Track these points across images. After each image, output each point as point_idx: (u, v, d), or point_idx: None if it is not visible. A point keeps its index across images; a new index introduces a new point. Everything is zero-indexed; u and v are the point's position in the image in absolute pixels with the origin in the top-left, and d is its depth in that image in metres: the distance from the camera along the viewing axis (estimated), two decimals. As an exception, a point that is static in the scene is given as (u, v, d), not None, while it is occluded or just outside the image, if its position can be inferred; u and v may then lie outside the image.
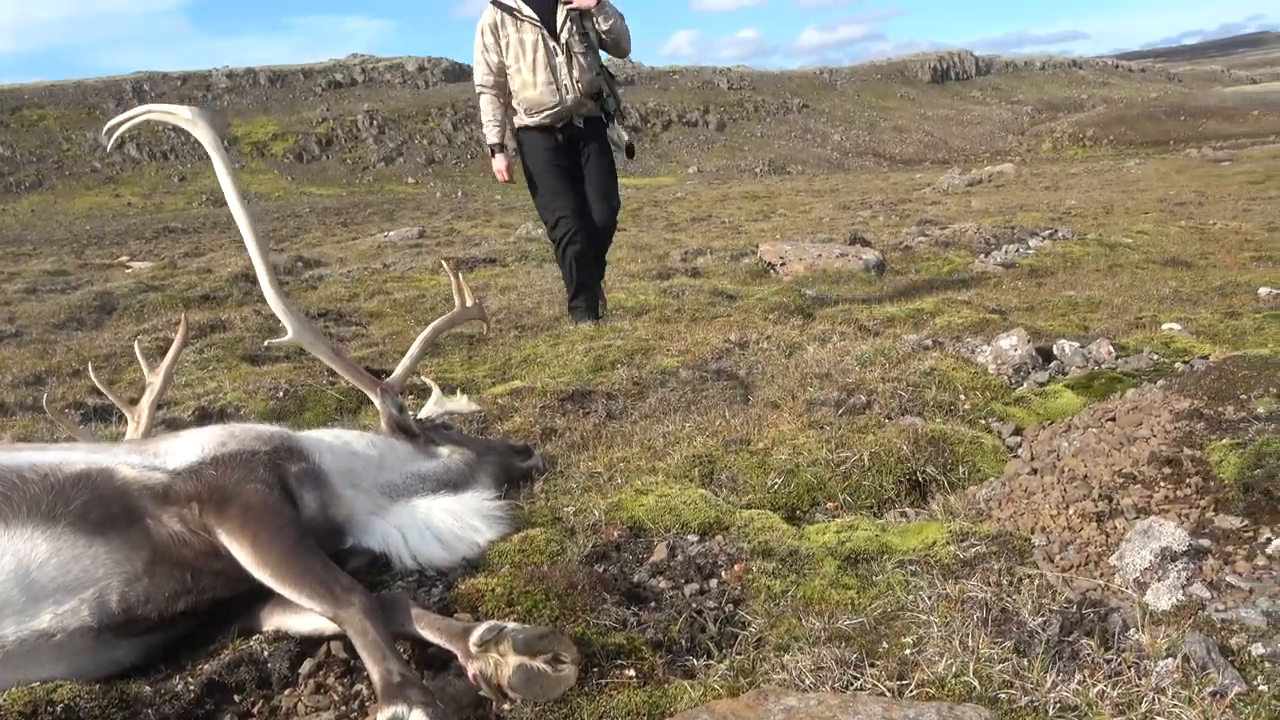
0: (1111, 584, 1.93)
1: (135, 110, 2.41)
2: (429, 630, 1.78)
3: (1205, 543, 2.06)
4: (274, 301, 2.31)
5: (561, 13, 5.04)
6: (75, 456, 1.89)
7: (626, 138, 5.40)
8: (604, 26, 5.12)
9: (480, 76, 5.28)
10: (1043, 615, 1.72)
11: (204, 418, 3.90)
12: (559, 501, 2.48)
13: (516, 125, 5.34)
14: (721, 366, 4.02)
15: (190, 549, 1.84)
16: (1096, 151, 64.19)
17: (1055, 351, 3.99)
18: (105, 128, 2.43)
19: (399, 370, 2.59)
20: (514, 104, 5.28)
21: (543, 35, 5.05)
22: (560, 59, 5.06)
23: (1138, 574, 1.91)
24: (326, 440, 2.24)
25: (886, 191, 25.00)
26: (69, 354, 5.91)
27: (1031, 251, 8.49)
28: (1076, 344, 4.05)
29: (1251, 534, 2.09)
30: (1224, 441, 2.61)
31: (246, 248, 2.29)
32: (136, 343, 3.17)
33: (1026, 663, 1.60)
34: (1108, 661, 1.62)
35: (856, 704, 1.49)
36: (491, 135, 5.36)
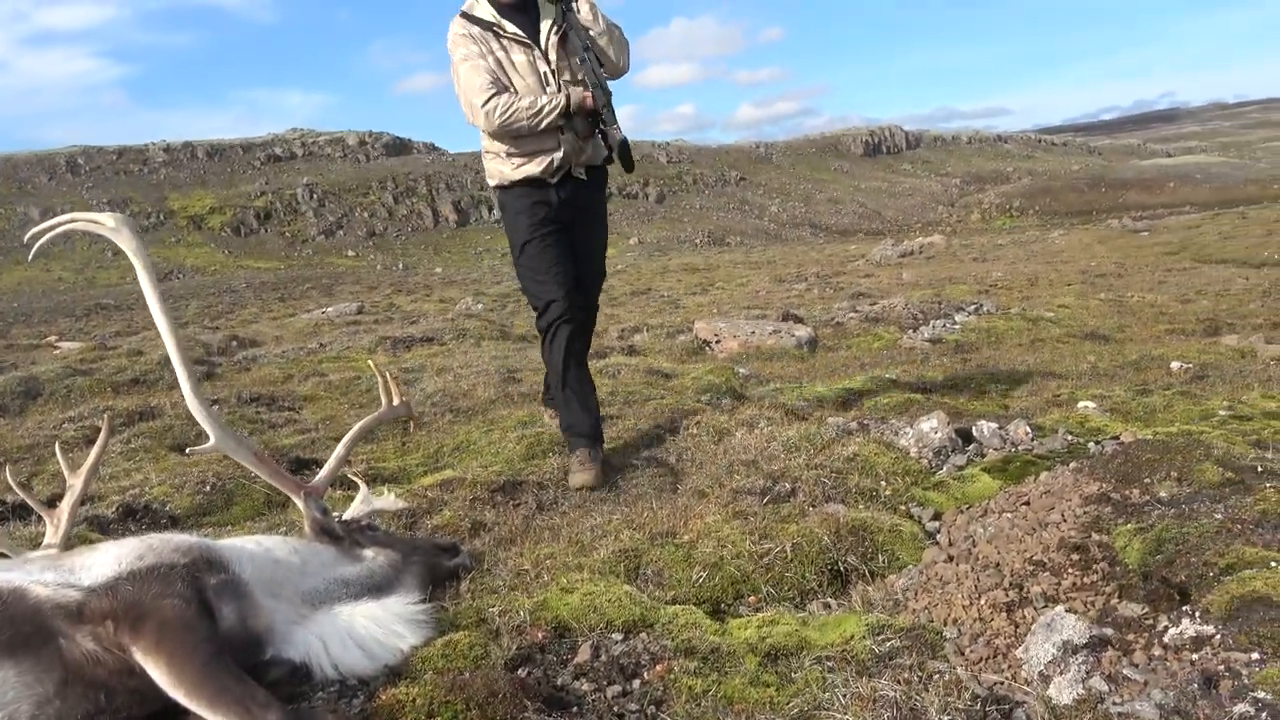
0: (1018, 677, 2.00)
1: (59, 219, 2.43)
2: (347, 745, 1.77)
3: (1108, 632, 2.14)
4: (196, 410, 2.32)
5: (547, 22, 3.87)
6: (-14, 576, 1.87)
7: (620, 136, 3.93)
8: (598, 30, 3.91)
9: (483, 86, 3.79)
10: (949, 714, 1.78)
11: (128, 514, 3.84)
12: (485, 601, 2.49)
13: (495, 183, 4.07)
14: (652, 453, 4.07)
15: (105, 668, 1.82)
16: (1023, 222, 66.20)
17: (974, 433, 4.11)
18: (28, 236, 2.43)
19: (324, 471, 2.59)
20: (492, 151, 4.02)
21: (534, 56, 3.85)
22: (554, 85, 3.85)
23: (1042, 667, 1.98)
24: (248, 549, 2.23)
25: (821, 264, 25.52)
26: (-10, 445, 5.77)
27: (957, 327, 8.73)
28: (995, 425, 4.18)
29: (1151, 622, 2.17)
30: (1129, 526, 2.72)
31: (169, 354, 2.30)
32: (57, 445, 3.12)
33: (934, 763, 1.65)
34: (1011, 759, 1.67)
35: (767, 812, 1.52)
36: (551, 99, 3.81)
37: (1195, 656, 1.92)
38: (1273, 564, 2.19)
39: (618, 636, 2.33)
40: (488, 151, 4.06)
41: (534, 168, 3.92)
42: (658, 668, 2.18)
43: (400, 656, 2.18)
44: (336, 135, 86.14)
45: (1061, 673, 1.92)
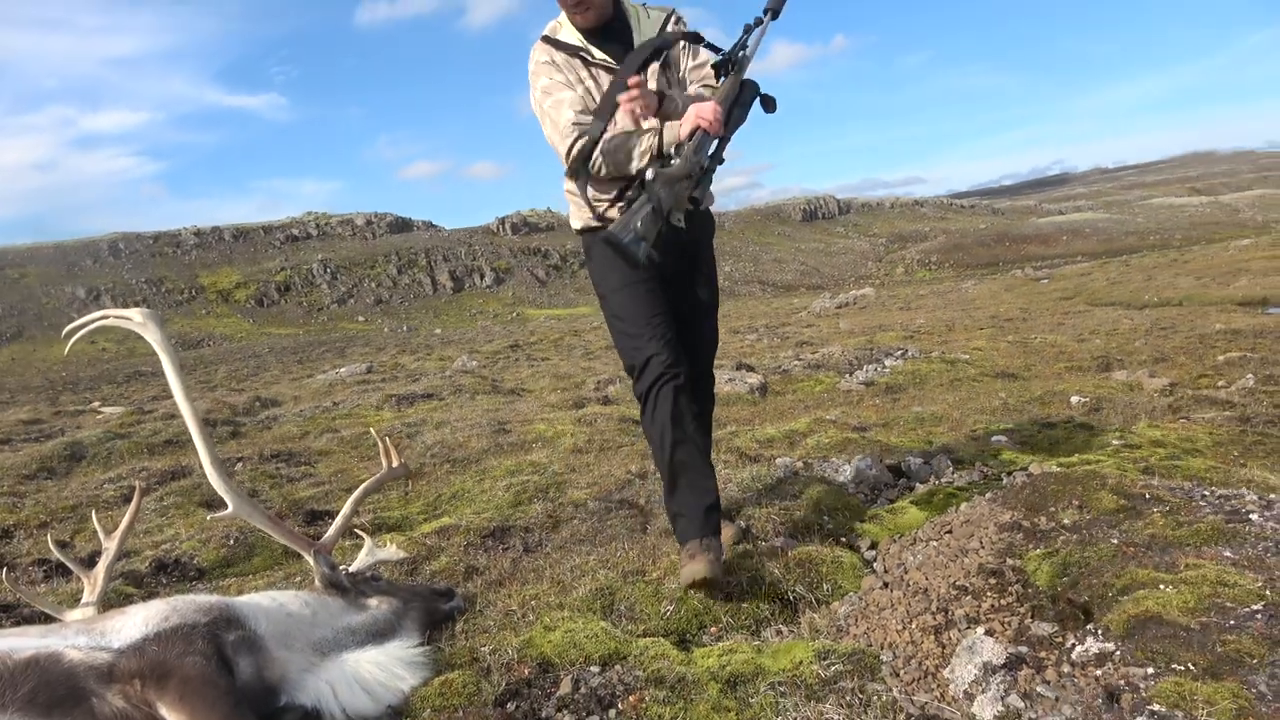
0: (946, 696, 1.97)
1: (92, 315, 2.39)
2: (353, 785, 1.72)
3: (1023, 650, 2.12)
4: (216, 482, 2.27)
5: (647, 49, 2.83)
6: (25, 643, 1.81)
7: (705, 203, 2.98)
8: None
9: (568, 125, 2.81)
10: (887, 734, 1.75)
11: (160, 569, 3.75)
12: (477, 641, 2.44)
13: (579, 226, 3.08)
14: (625, 496, 4.04)
15: (133, 723, 1.76)
16: (940, 274, 67.08)
17: (904, 468, 4.11)
18: (64, 331, 2.39)
19: (332, 530, 2.55)
20: (575, 193, 2.99)
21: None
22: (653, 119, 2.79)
23: (966, 686, 1.96)
24: (263, 605, 2.18)
25: (769, 316, 25.67)
26: (37, 506, 5.63)
27: (888, 370, 8.78)
28: (921, 460, 4.19)
29: (1060, 640, 2.16)
30: (1038, 551, 2.72)
31: (192, 435, 2.26)
32: (93, 513, 3.06)
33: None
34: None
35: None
36: (644, 140, 2.78)
37: (1099, 673, 1.91)
38: (1161, 585, 2.19)
39: (595, 669, 2.29)
40: (569, 193, 3.05)
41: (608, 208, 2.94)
42: (631, 698, 2.14)
43: (401, 697, 2.13)
44: (346, 216, 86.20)
45: (983, 691, 1.90)
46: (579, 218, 3.08)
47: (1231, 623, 1.98)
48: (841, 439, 5.05)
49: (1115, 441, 4.51)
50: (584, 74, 2.89)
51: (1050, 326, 13.94)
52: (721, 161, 2.72)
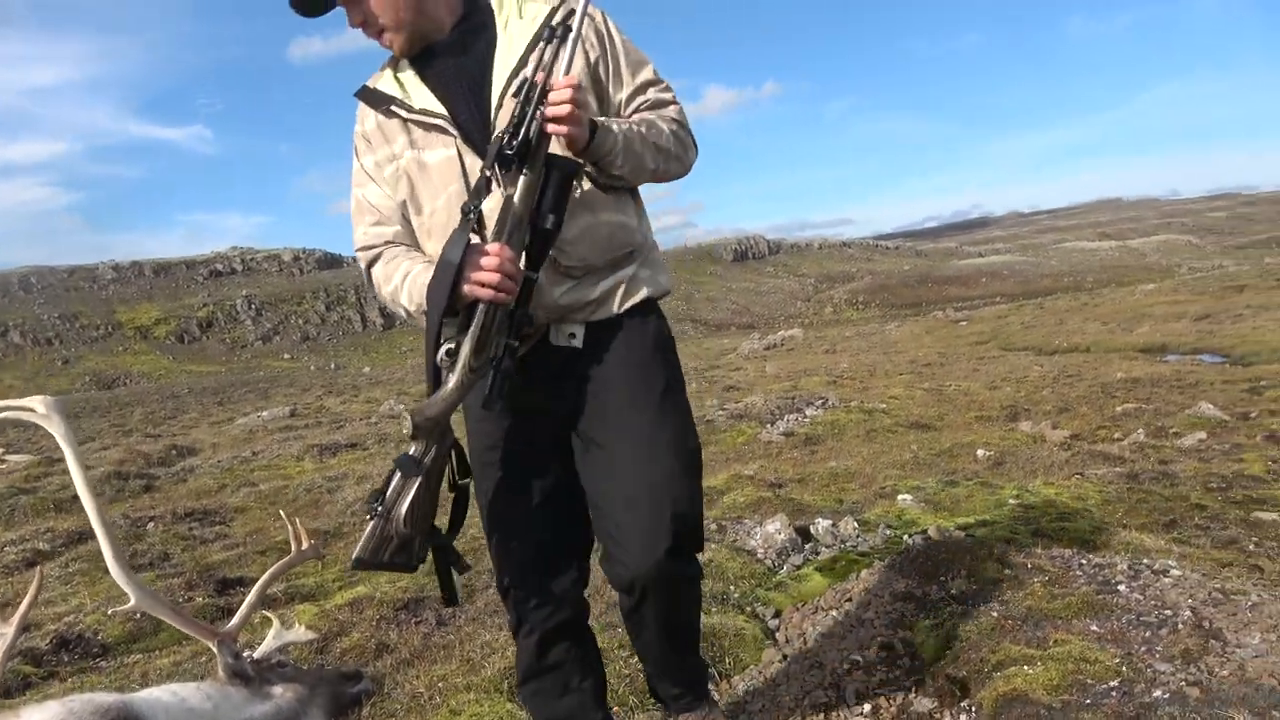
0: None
1: (-9, 406, 2.37)
2: None
3: (904, 727, 2.25)
4: (118, 575, 2.27)
5: (503, 68, 1.80)
6: (-90, 755, 1.79)
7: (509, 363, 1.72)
8: (619, 166, 1.77)
9: (361, 234, 1.94)
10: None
11: (62, 645, 3.66)
12: (383, 727, 2.47)
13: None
14: (540, 562, 4.09)
15: (21, 836, 1.75)
16: (866, 313, 68.77)
17: (812, 530, 4.26)
18: (-38, 423, 2.37)
19: (237, 618, 2.55)
20: None
21: (459, 150, 1.79)
22: (497, 198, 1.70)
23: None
24: (164, 700, 2.17)
25: (699, 357, 25.98)
26: (-68, 571, 5.42)
27: (808, 420, 9.01)
28: (829, 522, 4.34)
29: (938, 716, 2.29)
30: (927, 622, 2.87)
31: (95, 529, 2.26)
32: (-10, 597, 2.99)
33: None
34: None
35: None
36: (420, 275, 1.79)
37: (967, 752, 2.05)
38: (1031, 661, 2.35)
39: (499, 754, 2.34)
40: None
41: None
42: (532, 784, 2.19)
43: (303, 790, 2.15)
44: (273, 252, 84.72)
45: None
46: None
47: (1088, 700, 2.13)
48: (756, 498, 5.18)
49: (1012, 500, 4.74)
50: (400, 141, 1.85)
51: (965, 373, 14.45)
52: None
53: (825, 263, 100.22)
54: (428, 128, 1.82)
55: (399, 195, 1.89)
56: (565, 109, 1.62)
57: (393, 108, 1.85)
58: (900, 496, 5.03)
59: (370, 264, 1.95)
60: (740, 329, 60.80)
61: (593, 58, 1.85)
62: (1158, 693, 2.15)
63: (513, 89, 1.72)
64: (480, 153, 1.77)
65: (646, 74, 1.90)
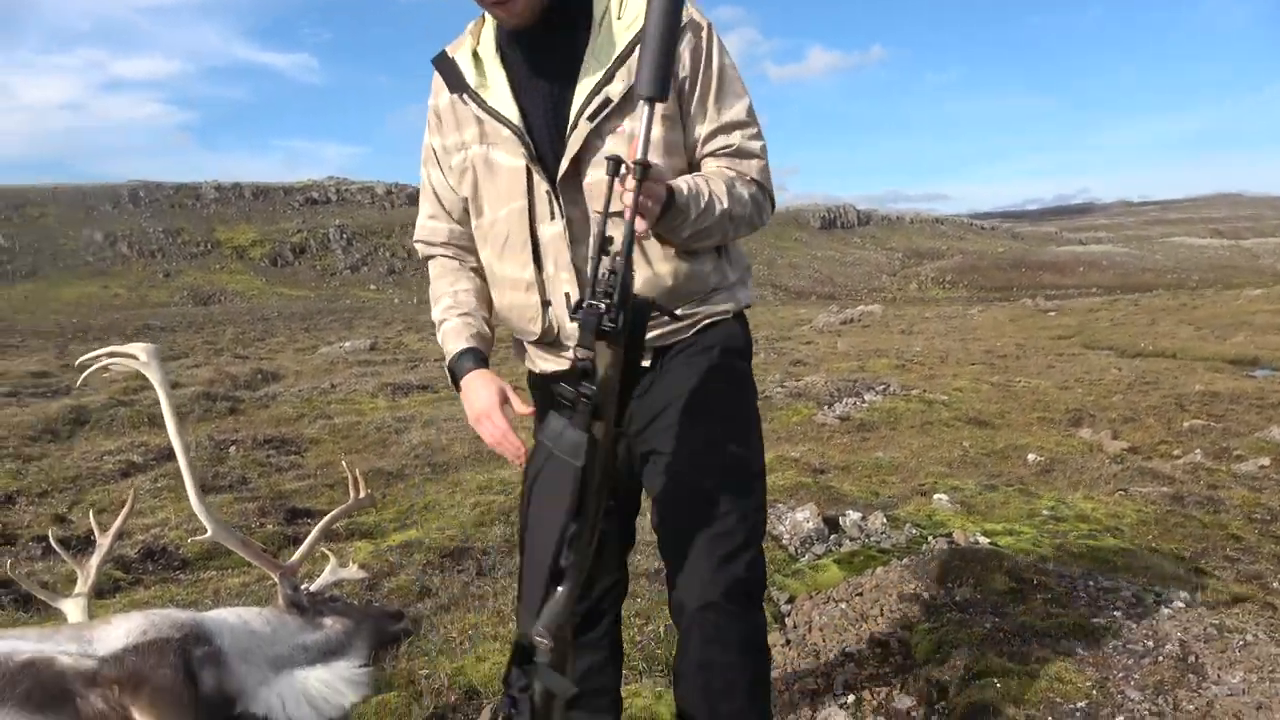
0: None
1: (101, 350, 2.71)
2: (287, 791, 2.06)
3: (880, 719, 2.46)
4: (199, 510, 2.61)
5: (589, 78, 1.62)
6: (24, 646, 2.15)
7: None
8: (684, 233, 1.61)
9: (421, 223, 1.97)
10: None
11: (148, 555, 4.10)
12: (416, 664, 2.79)
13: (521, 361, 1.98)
14: (579, 526, 4.37)
15: (109, 723, 2.10)
16: (953, 294, 67.11)
17: (841, 522, 4.43)
18: (77, 363, 2.72)
19: (297, 555, 2.88)
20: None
21: (530, 165, 1.67)
22: (559, 227, 1.67)
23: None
24: (230, 622, 2.51)
25: (772, 327, 25.93)
26: (39, 474, 6.01)
27: (865, 405, 9.09)
28: (859, 515, 4.51)
29: (914, 714, 2.49)
30: (925, 625, 3.04)
31: (182, 471, 2.60)
32: (90, 513, 3.39)
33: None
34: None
35: None
36: (452, 338, 1.82)
37: (929, 750, 2.25)
38: (1007, 675, 2.52)
39: (515, 700, 2.63)
40: None
41: (538, 354, 1.87)
42: (539, 731, 2.47)
43: (342, 713, 2.47)
44: (367, 184, 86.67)
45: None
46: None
47: (1052, 718, 2.30)
48: (795, 482, 5.37)
49: (1046, 511, 4.82)
50: (470, 132, 1.75)
51: (1039, 369, 14.21)
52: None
53: (915, 238, 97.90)
54: (497, 126, 1.70)
55: (462, 190, 1.81)
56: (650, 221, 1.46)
57: (465, 97, 1.72)
58: (936, 496, 5.15)
59: (426, 259, 2.01)
60: (820, 299, 60.14)
61: (680, 76, 1.64)
62: (1120, 718, 2.30)
63: (589, 110, 1.62)
64: (549, 174, 1.67)
65: (737, 112, 1.69)
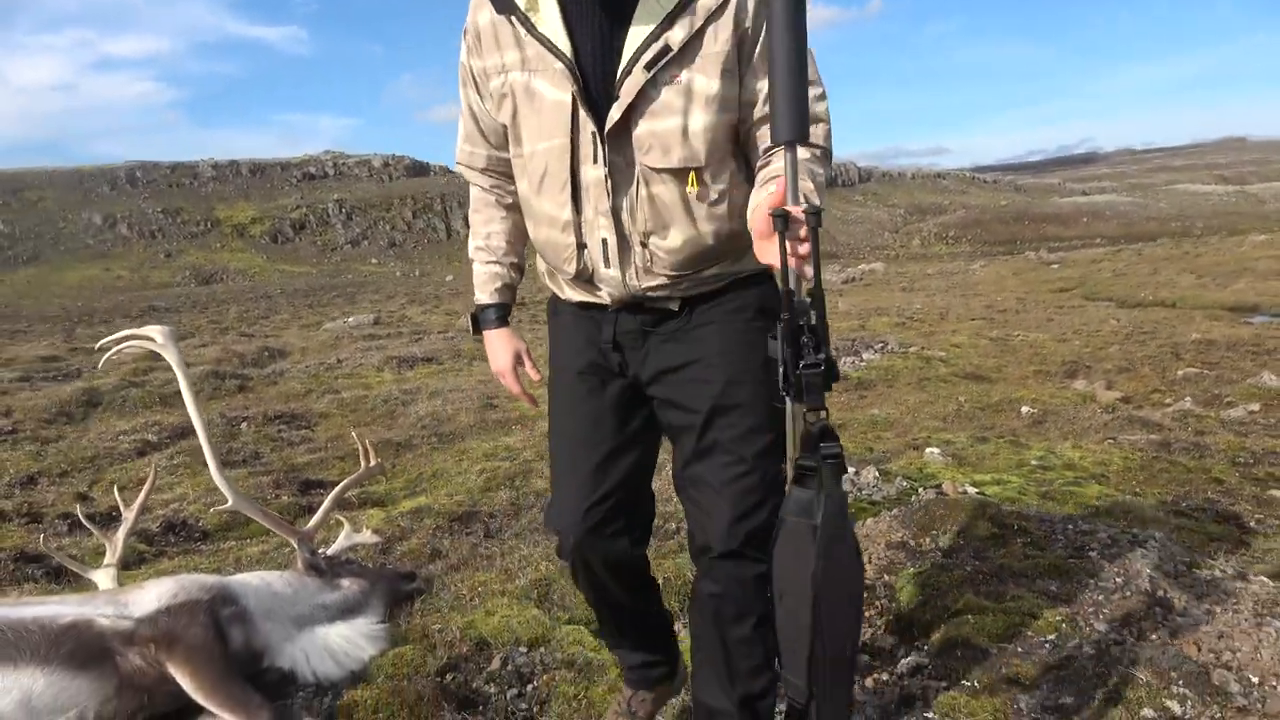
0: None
1: (119, 334, 2.86)
2: (315, 735, 2.24)
3: (864, 658, 2.63)
4: (219, 481, 2.78)
5: (644, 25, 1.55)
6: (65, 610, 2.33)
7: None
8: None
9: (459, 142, 1.92)
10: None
11: (169, 529, 4.28)
12: (429, 620, 2.96)
13: (547, 284, 1.96)
14: (582, 488, 4.54)
15: (148, 677, 2.28)
16: (956, 249, 66.91)
17: (835, 477, 4.60)
18: (97, 346, 2.88)
19: (314, 521, 3.05)
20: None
21: (576, 98, 1.61)
22: (601, 172, 1.63)
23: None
24: (253, 584, 2.69)
25: (774, 288, 25.97)
26: (58, 455, 6.19)
27: (864, 364, 9.24)
28: (852, 470, 4.66)
29: (895, 652, 2.66)
30: (910, 570, 3.21)
31: (202, 446, 2.76)
32: (115, 489, 3.55)
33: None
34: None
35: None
36: (477, 288, 2.01)
37: (908, 682, 2.42)
38: (983, 612, 2.69)
39: (523, 650, 2.81)
40: None
41: (570, 289, 1.87)
42: (546, 676, 2.65)
43: (362, 665, 2.65)
44: (364, 157, 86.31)
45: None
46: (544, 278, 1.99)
47: (1020, 650, 2.48)
48: (792, 441, 5.52)
49: (1034, 461, 4.97)
50: (512, 56, 1.69)
51: (1038, 322, 14.32)
52: None
53: (917, 193, 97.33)
54: (545, 54, 1.63)
55: (500, 116, 1.75)
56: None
57: (514, 19, 1.64)
58: (929, 449, 5.30)
59: (470, 183, 2.00)
60: (824, 258, 59.95)
61: (743, 25, 1.57)
62: (1086, 648, 2.47)
63: (646, 57, 1.55)
64: (597, 114, 1.61)
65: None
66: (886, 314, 16.20)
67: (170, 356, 2.83)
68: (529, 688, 2.61)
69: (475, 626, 2.89)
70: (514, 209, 1.94)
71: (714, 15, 1.54)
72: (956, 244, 73.32)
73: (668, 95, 1.58)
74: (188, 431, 6.75)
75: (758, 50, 1.59)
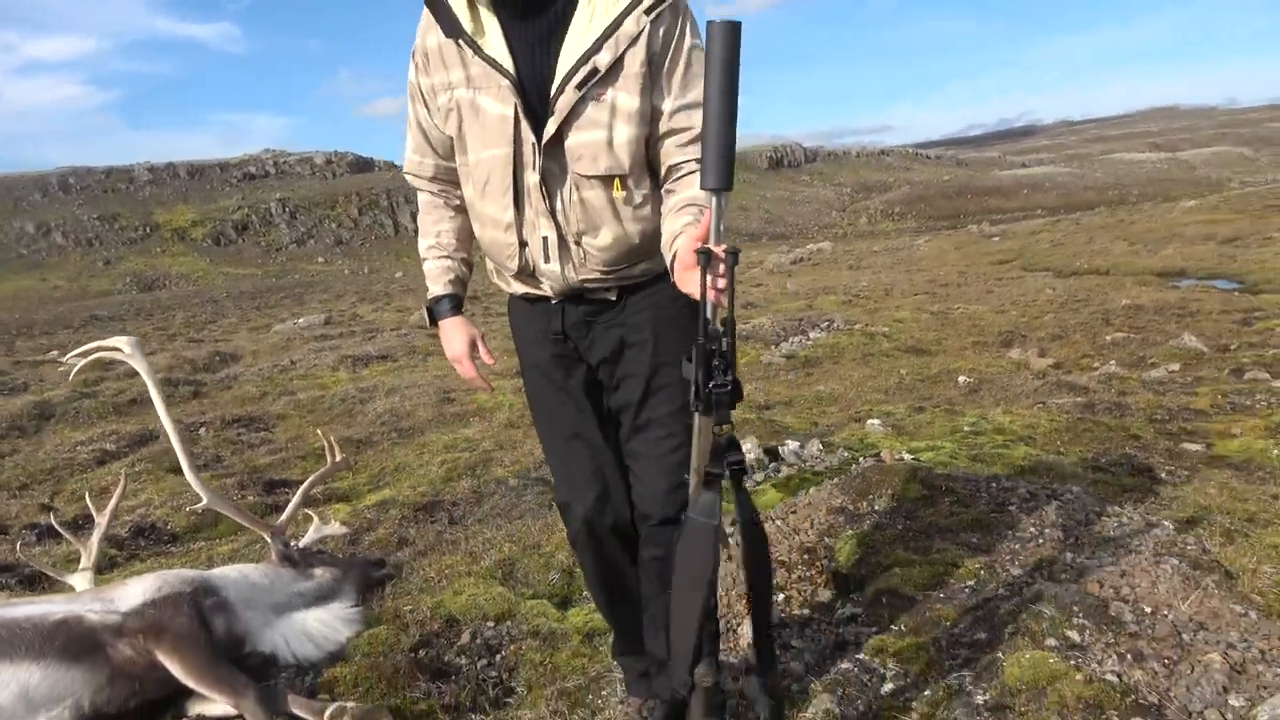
0: (738, 646, 2.71)
1: (85, 347, 3.00)
2: (299, 709, 2.42)
3: (805, 612, 2.87)
4: (194, 483, 2.92)
5: (580, 38, 1.77)
6: (56, 608, 2.47)
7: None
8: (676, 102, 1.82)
9: (407, 152, 2.09)
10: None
11: (139, 533, 4.38)
12: (400, 602, 3.14)
13: (495, 282, 2.15)
14: (541, 474, 4.73)
15: (138, 666, 2.44)
16: (902, 225, 67.85)
17: (780, 451, 4.84)
18: (66, 359, 2.99)
19: (285, 515, 3.21)
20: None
21: (517, 106, 1.81)
22: (538, 177, 1.83)
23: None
24: (232, 576, 2.85)
25: (724, 271, 26.26)
26: (16, 469, 6.21)
27: (810, 342, 9.53)
28: (797, 444, 4.92)
29: (832, 605, 2.91)
30: (849, 532, 3.46)
31: (175, 449, 2.90)
32: (88, 494, 3.67)
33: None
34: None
35: (554, 740, 2.21)
36: (430, 281, 2.15)
37: (842, 630, 2.67)
38: (911, 564, 2.95)
39: (490, 624, 3.00)
40: None
41: (515, 285, 2.07)
42: (513, 646, 2.86)
43: (339, 646, 2.83)
44: (306, 155, 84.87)
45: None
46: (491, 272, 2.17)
47: (943, 595, 2.74)
48: (740, 419, 5.77)
49: (967, 427, 5.28)
50: (457, 74, 1.85)
51: (978, 294, 14.79)
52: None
53: (863, 171, 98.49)
54: (490, 73, 1.81)
55: (447, 128, 1.92)
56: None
57: (460, 41, 1.81)
58: (870, 421, 5.59)
59: (417, 190, 2.15)
60: (772, 239, 60.49)
61: (651, 50, 1.78)
62: (1001, 590, 2.74)
63: (577, 79, 1.75)
64: (535, 126, 1.80)
65: (699, 93, 1.72)
66: (834, 292, 16.57)
67: (139, 365, 2.96)
68: (497, 658, 2.81)
69: (444, 605, 3.08)
70: (460, 211, 2.11)
71: (633, 41, 1.75)
72: (902, 220, 74.42)
73: (594, 111, 1.79)
74: (146, 439, 6.80)
75: (664, 71, 1.80)
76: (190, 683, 2.42)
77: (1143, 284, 14.82)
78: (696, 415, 1.56)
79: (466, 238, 2.16)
